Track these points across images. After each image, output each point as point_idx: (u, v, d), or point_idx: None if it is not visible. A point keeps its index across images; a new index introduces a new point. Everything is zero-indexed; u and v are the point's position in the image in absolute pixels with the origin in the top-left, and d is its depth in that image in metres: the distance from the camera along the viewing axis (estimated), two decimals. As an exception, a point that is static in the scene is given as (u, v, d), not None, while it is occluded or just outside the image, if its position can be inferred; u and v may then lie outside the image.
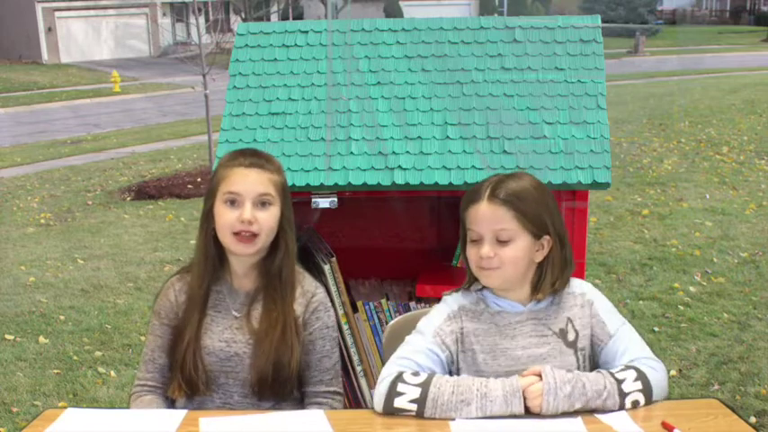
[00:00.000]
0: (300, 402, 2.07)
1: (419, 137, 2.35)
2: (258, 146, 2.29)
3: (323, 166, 2.31)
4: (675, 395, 3.61)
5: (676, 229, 6.59)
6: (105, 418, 1.85)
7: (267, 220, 1.94)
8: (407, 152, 2.32)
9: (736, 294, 5.02)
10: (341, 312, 2.36)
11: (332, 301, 2.21)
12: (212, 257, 2.01)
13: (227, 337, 2.00)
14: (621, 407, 1.72)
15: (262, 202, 1.94)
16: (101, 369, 4.20)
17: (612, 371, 1.78)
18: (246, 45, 2.60)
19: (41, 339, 4.64)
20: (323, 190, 2.31)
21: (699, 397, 3.54)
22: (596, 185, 2.27)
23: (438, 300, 1.99)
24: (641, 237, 6.42)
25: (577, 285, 1.92)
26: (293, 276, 2.03)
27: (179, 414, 1.80)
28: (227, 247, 1.98)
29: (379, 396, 1.76)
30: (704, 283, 5.24)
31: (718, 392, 3.69)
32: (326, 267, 2.33)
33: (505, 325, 1.87)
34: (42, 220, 7.86)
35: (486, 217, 1.81)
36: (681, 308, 4.80)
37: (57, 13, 31.31)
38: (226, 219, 1.93)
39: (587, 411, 1.70)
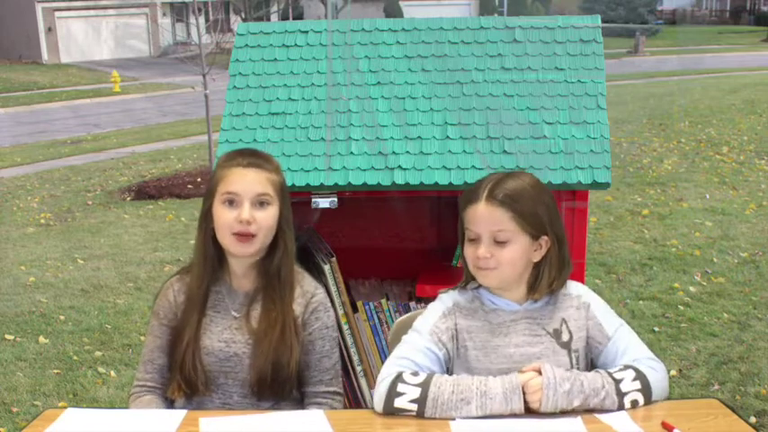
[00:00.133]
0: (300, 402, 2.07)
1: (419, 137, 2.34)
2: (258, 146, 2.29)
3: (323, 166, 2.31)
4: (675, 395, 3.61)
5: (676, 229, 6.58)
6: (105, 418, 1.85)
7: (265, 219, 1.94)
8: (407, 152, 2.32)
9: (736, 294, 5.01)
10: (341, 312, 2.36)
11: (332, 301, 2.21)
12: (211, 258, 2.00)
13: (226, 338, 2.00)
14: (620, 406, 1.72)
15: (260, 202, 1.94)
16: (101, 369, 4.20)
17: (611, 371, 1.77)
18: (246, 45, 2.59)
19: (41, 339, 4.64)
20: (323, 190, 2.31)
21: (699, 397, 3.54)
22: (596, 185, 2.26)
23: (438, 300, 1.98)
24: (641, 237, 6.42)
25: (574, 287, 1.92)
26: (292, 276, 2.03)
27: (179, 414, 1.80)
28: (225, 248, 1.97)
29: (379, 396, 1.76)
30: (704, 283, 5.24)
31: (718, 392, 3.69)
32: (326, 267, 2.33)
33: (499, 323, 1.87)
34: (42, 220, 7.86)
35: (483, 218, 1.81)
36: (681, 308, 4.80)
37: (57, 13, 31.31)
38: (224, 219, 1.93)
39: (587, 411, 1.70)
